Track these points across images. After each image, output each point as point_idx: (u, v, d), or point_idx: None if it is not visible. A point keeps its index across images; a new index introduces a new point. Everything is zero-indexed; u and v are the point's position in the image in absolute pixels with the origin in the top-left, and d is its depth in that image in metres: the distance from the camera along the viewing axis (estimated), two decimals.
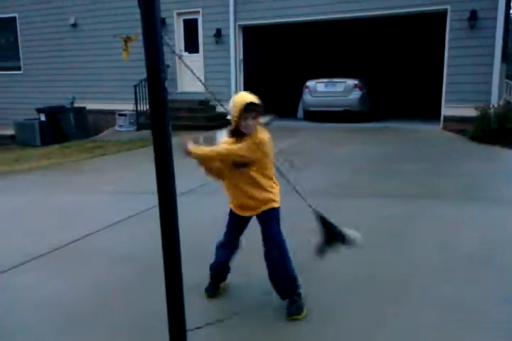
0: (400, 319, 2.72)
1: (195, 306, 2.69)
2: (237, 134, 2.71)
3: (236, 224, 2.98)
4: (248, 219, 2.91)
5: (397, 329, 2.63)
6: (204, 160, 2.69)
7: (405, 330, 2.62)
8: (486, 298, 2.94)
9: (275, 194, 2.84)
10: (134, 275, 3.43)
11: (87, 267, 3.61)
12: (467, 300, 2.90)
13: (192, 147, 2.58)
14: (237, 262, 3.07)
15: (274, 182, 2.85)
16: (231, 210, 2.94)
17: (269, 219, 2.83)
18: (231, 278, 3.16)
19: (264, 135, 2.70)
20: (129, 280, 3.34)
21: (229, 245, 3.01)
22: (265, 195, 2.79)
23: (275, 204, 2.83)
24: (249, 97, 2.64)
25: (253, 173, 2.74)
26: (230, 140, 2.76)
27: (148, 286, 3.13)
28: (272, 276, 2.82)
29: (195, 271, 2.93)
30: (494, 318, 2.70)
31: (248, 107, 2.61)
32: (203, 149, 2.62)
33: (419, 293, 3.02)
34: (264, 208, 2.81)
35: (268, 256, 2.82)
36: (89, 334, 2.67)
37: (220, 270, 3.08)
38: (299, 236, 3.83)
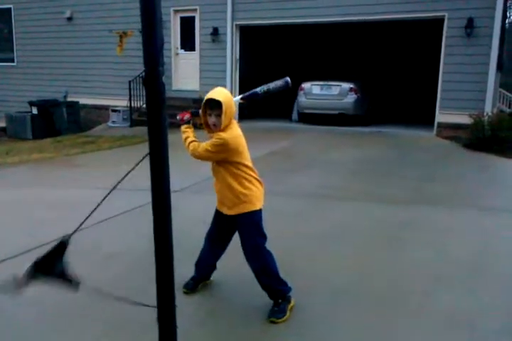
0: (393, 327, 2.70)
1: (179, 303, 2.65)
2: (208, 127, 2.66)
3: (217, 219, 2.89)
4: (228, 219, 2.78)
5: (390, 337, 2.61)
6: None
7: (398, 338, 2.60)
8: (480, 306, 2.93)
9: (251, 195, 2.68)
10: (125, 271, 3.38)
11: (76, 263, 3.55)
12: (461, 308, 2.89)
13: (182, 128, 2.76)
14: (226, 260, 3.04)
15: (251, 182, 2.69)
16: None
17: (245, 225, 2.73)
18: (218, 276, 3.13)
19: (230, 133, 2.57)
20: (119, 277, 3.30)
21: (212, 242, 2.94)
22: (238, 196, 2.66)
23: (251, 207, 2.68)
24: (214, 93, 2.54)
25: (223, 172, 2.66)
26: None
27: (139, 283, 3.09)
28: (257, 279, 2.78)
29: (185, 269, 2.90)
30: (486, 327, 2.69)
31: (209, 104, 2.55)
32: (185, 136, 2.72)
33: (412, 300, 3.00)
34: (239, 211, 2.69)
35: (248, 262, 2.77)
36: (77, 332, 2.62)
37: (202, 268, 3.04)
38: (287, 241, 3.81)
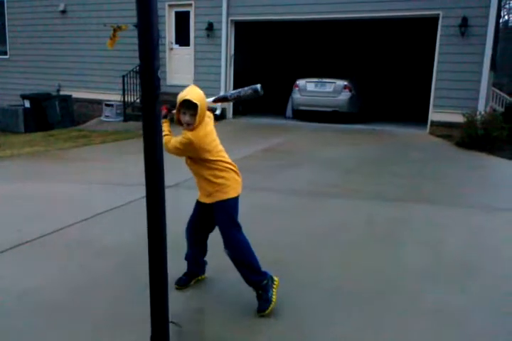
0: (385, 324, 2.72)
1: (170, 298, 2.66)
2: (181, 124, 2.72)
3: (196, 207, 2.96)
4: (205, 207, 2.85)
5: (382, 334, 2.62)
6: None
7: (390, 336, 2.61)
8: (473, 304, 2.96)
9: (224, 185, 2.76)
10: (118, 266, 3.38)
11: (69, 257, 3.55)
12: (453, 306, 2.91)
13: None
14: (219, 257, 3.04)
15: (225, 171, 2.76)
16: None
17: (219, 213, 2.82)
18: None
19: (197, 133, 2.63)
20: (112, 272, 3.29)
21: (192, 231, 2.99)
22: (211, 186, 2.76)
23: (224, 196, 2.76)
24: (191, 94, 2.58)
25: (196, 165, 2.75)
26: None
27: (132, 277, 3.09)
28: (236, 267, 2.82)
29: (175, 264, 2.90)
30: (479, 325, 2.72)
31: (185, 104, 2.60)
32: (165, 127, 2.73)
33: (405, 298, 3.02)
34: (213, 200, 2.79)
35: (225, 249, 2.82)
36: (70, 326, 2.62)
37: (192, 263, 3.05)
38: (280, 237, 3.82)
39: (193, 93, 2.60)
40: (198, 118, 2.60)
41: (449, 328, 2.67)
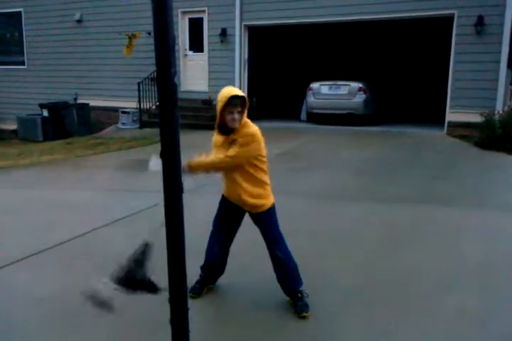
0: (403, 327, 2.69)
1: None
2: (224, 130, 2.68)
3: (223, 208, 2.91)
4: (239, 213, 2.84)
5: (401, 338, 2.59)
6: (206, 170, 2.74)
7: (408, 338, 2.58)
8: (492, 307, 2.90)
9: (270, 189, 2.80)
10: None
11: (86, 264, 3.58)
12: (477, 308, 2.86)
13: (191, 163, 2.63)
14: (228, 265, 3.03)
15: (266, 178, 2.79)
16: (222, 196, 2.92)
17: (268, 220, 2.81)
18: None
19: (253, 127, 2.67)
20: None
21: (217, 239, 2.95)
22: (261, 191, 2.74)
23: (271, 201, 2.79)
24: (234, 91, 2.60)
25: (248, 168, 2.71)
26: (220, 137, 2.73)
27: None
28: (279, 271, 2.83)
29: (194, 270, 2.90)
30: (504, 326, 2.66)
31: (232, 101, 2.58)
32: (200, 163, 2.66)
33: (423, 301, 2.98)
34: (264, 208, 2.77)
35: (275, 256, 2.82)
36: (86, 333, 2.63)
37: (209, 271, 3.04)
38: (297, 240, 3.80)
39: (233, 90, 2.61)
40: (245, 112, 2.61)
41: (473, 330, 2.62)
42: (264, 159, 2.75)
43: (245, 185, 2.71)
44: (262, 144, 2.71)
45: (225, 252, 2.98)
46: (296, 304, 2.78)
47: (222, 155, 2.64)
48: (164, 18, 1.53)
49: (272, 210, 2.80)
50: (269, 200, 2.78)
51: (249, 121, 2.72)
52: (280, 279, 2.83)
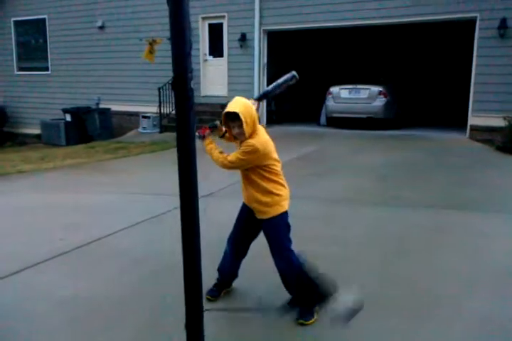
0: (426, 333, 2.65)
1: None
2: (235, 138, 2.70)
3: (241, 222, 2.90)
4: (255, 222, 2.81)
5: None
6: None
7: None
8: None
9: (279, 198, 2.72)
10: (153, 275, 3.42)
11: (107, 267, 3.62)
12: (500, 315, 2.80)
13: (205, 143, 2.76)
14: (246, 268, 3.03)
15: (281, 185, 2.73)
16: (243, 203, 2.91)
17: (274, 228, 2.75)
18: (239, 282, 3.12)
19: (258, 139, 2.60)
20: (148, 281, 3.34)
21: (235, 245, 2.95)
22: (267, 200, 2.70)
23: (281, 209, 2.72)
24: (231, 106, 2.58)
25: (254, 177, 2.69)
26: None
27: (167, 287, 3.12)
28: (285, 280, 2.79)
29: (210, 273, 2.91)
30: None
31: (228, 117, 2.59)
32: (210, 149, 2.73)
33: (444, 306, 2.93)
34: (272, 214, 2.72)
35: (276, 265, 2.78)
36: (107, 334, 2.66)
37: (225, 274, 3.04)
38: (316, 245, 3.78)
39: (232, 104, 2.59)
40: (247, 127, 2.55)
41: (494, 337, 2.56)
42: (274, 169, 2.69)
43: (251, 191, 2.73)
44: (270, 154, 2.66)
45: (240, 257, 2.99)
46: (299, 309, 2.75)
47: (226, 156, 2.66)
48: (180, 23, 1.55)
49: (277, 219, 2.72)
50: (274, 209, 2.71)
51: (261, 129, 2.68)
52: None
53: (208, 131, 2.79)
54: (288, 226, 2.78)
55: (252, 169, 2.68)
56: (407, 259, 3.71)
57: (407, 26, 11.64)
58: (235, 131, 2.62)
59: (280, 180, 2.74)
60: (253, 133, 2.61)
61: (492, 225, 4.51)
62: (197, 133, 2.76)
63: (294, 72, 2.77)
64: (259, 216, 2.77)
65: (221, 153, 2.70)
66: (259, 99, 2.90)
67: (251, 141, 2.58)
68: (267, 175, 2.68)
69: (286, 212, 2.76)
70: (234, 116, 2.56)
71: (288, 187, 2.82)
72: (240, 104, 2.58)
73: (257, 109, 2.74)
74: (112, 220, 4.76)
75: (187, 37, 1.58)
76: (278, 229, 2.75)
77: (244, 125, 2.55)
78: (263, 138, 2.65)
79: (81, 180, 7.04)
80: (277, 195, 2.70)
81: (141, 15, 12.95)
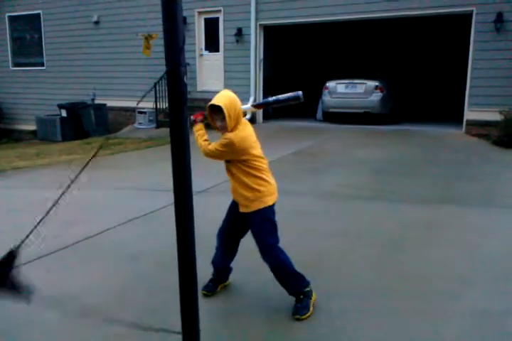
0: (422, 327, 2.65)
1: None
2: (218, 129, 2.72)
3: (229, 216, 2.91)
4: (241, 216, 2.80)
5: (419, 337, 2.56)
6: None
7: (427, 339, 2.55)
8: (510, 307, 2.85)
9: (263, 193, 2.70)
10: (148, 271, 3.42)
11: (101, 263, 3.62)
12: (496, 309, 2.81)
13: (195, 128, 2.80)
14: (243, 262, 3.03)
15: (263, 179, 2.70)
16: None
17: (257, 222, 2.75)
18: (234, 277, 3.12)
19: (237, 134, 2.59)
20: (143, 277, 3.34)
21: (224, 239, 2.95)
22: (249, 194, 2.69)
23: (261, 205, 2.70)
24: (216, 99, 2.58)
25: (235, 170, 2.70)
26: None
27: (162, 283, 3.12)
28: (275, 276, 2.79)
29: (204, 268, 2.90)
30: None
31: (212, 109, 2.60)
32: (197, 135, 2.76)
33: (439, 301, 2.94)
34: (251, 209, 2.71)
35: (263, 259, 2.77)
36: (100, 331, 2.66)
37: (218, 269, 3.04)
38: (312, 241, 3.78)
39: (217, 97, 2.60)
40: (230, 121, 2.56)
41: (491, 331, 2.57)
42: (256, 164, 2.67)
43: (234, 184, 2.75)
44: (248, 150, 2.63)
45: (232, 251, 2.99)
46: (295, 305, 2.75)
47: (207, 145, 2.69)
48: (173, 17, 1.54)
49: (258, 215, 2.71)
50: (255, 204, 2.70)
51: (246, 124, 2.68)
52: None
53: (200, 118, 2.83)
54: (272, 223, 2.75)
55: (233, 163, 2.69)
56: (403, 253, 3.71)
57: (403, 20, 11.63)
58: (218, 123, 2.64)
59: (263, 176, 2.71)
60: (235, 127, 2.62)
61: (488, 219, 4.52)
62: (191, 117, 2.81)
63: (299, 93, 2.73)
64: (242, 209, 2.77)
65: (206, 140, 2.73)
66: (257, 106, 2.89)
67: (229, 135, 2.59)
68: (248, 170, 2.67)
69: (269, 208, 2.73)
70: (217, 109, 2.57)
71: (275, 183, 2.79)
72: (225, 98, 2.59)
73: (245, 115, 2.76)
74: (106, 216, 4.75)
75: (180, 31, 1.57)
76: (260, 224, 2.74)
77: (227, 119, 2.56)
78: (243, 133, 2.64)
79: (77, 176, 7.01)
80: (258, 190, 2.69)
81: (137, 10, 12.88)
